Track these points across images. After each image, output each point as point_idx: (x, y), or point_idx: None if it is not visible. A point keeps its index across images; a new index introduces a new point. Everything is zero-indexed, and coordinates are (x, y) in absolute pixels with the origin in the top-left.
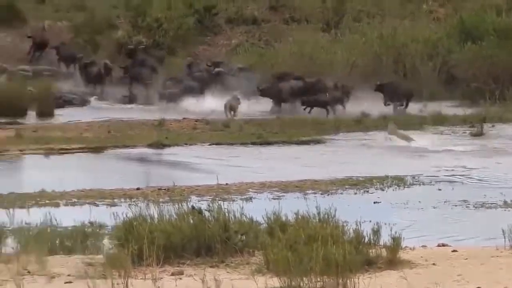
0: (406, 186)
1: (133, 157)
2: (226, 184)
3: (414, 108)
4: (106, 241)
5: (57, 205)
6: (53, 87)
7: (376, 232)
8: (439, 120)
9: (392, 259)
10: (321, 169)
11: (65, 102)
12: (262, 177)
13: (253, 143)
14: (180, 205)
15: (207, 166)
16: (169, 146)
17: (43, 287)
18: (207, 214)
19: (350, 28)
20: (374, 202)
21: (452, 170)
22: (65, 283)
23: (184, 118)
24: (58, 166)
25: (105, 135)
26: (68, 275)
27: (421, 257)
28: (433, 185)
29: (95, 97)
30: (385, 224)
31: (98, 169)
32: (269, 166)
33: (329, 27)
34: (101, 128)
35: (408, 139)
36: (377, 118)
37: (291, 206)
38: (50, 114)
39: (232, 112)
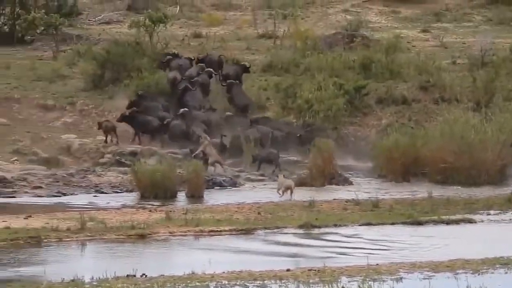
0: None
1: (283, 238)
2: (377, 264)
3: None
4: None
5: (207, 287)
6: (203, 170)
7: None
8: None
9: None
10: (471, 248)
11: (214, 184)
12: (412, 257)
13: (403, 223)
14: (330, 286)
15: (357, 247)
16: (319, 227)
17: None
18: None
19: (500, 107)
20: None
21: None
22: None
23: (334, 199)
24: (208, 248)
25: (255, 217)
26: None
27: None
28: None
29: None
30: None
31: (249, 251)
32: (420, 246)
33: (479, 106)
34: (251, 209)
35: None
36: None
37: (442, 286)
38: (200, 196)
39: (289, 192)
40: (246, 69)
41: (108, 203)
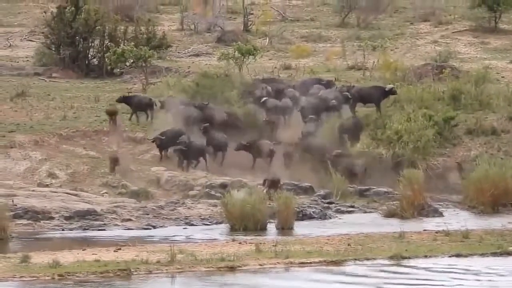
0: None
1: (373, 269)
2: None
3: None
4: None
5: None
6: (293, 201)
7: None
8: None
9: None
10: None
11: (304, 215)
12: None
13: (493, 254)
14: None
15: (447, 278)
16: (409, 258)
17: None
18: None
19: None
20: None
21: None
22: None
23: (424, 230)
24: (298, 280)
25: (345, 248)
26: None
27: None
28: None
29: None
30: None
31: (337, 282)
32: (510, 277)
33: None
34: (341, 241)
35: None
36: None
37: None
38: (290, 228)
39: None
40: (385, 92)
41: (188, 236)
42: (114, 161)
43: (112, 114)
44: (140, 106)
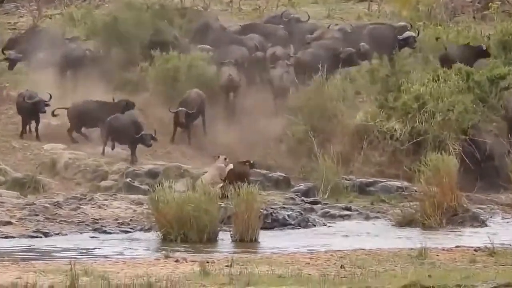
0: None
1: None
2: None
3: None
4: None
5: None
6: (258, 199)
7: None
8: None
9: None
10: None
11: (275, 221)
12: None
13: None
14: None
15: None
16: None
17: None
18: None
19: None
20: None
21: None
22: None
23: (457, 246)
24: None
25: (336, 272)
26: None
27: None
28: None
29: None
30: None
31: None
32: None
33: None
34: (330, 260)
35: None
36: None
37: None
38: (253, 240)
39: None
40: (482, 53)
41: (98, 250)
42: None
43: None
44: None
